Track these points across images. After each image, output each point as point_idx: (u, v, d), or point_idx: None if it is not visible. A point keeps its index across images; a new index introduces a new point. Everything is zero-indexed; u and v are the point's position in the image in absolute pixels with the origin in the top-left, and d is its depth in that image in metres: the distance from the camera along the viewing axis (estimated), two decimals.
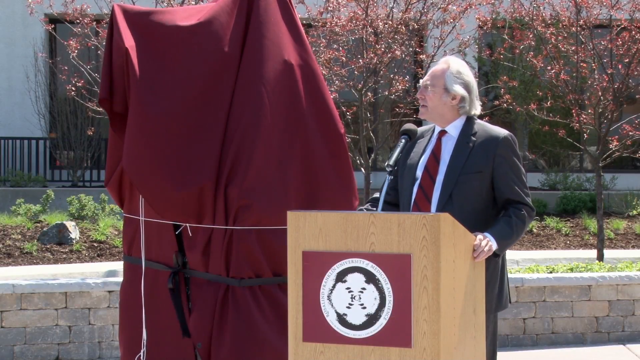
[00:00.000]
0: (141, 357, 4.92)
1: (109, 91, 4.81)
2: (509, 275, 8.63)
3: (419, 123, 5.54)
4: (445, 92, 4.27)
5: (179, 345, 4.84)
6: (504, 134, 4.28)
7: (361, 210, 4.41)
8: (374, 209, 4.36)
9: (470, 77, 4.33)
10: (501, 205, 4.26)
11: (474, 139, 4.26)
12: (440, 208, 4.19)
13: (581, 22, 10.95)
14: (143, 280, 4.93)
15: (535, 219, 14.19)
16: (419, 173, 4.30)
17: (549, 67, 11.31)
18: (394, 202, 4.43)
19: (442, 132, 4.33)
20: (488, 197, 4.26)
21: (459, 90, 4.26)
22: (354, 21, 11.00)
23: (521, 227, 4.17)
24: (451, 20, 11.59)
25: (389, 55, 10.98)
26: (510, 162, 4.24)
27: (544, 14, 11.58)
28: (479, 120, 4.37)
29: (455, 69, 4.28)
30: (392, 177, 4.18)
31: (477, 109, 4.33)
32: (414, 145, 4.36)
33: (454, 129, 4.31)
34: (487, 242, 3.98)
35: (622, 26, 11.08)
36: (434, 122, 4.36)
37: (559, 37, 11.21)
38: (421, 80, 4.34)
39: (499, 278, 4.30)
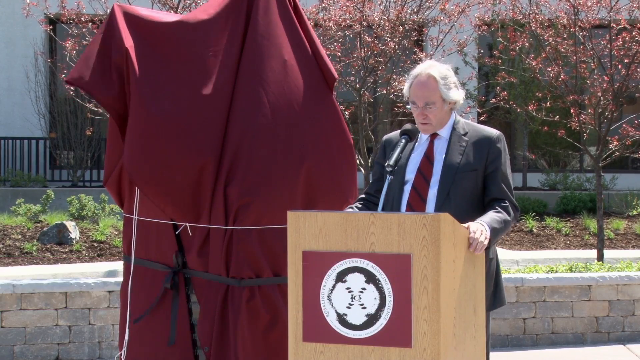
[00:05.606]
0: (121, 357, 4.91)
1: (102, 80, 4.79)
2: (509, 276, 8.69)
3: None
4: (444, 102, 4.31)
5: (178, 346, 4.84)
6: (496, 132, 4.38)
7: (351, 208, 4.43)
8: (365, 208, 4.38)
9: (451, 73, 4.37)
10: (487, 202, 4.30)
11: (466, 138, 4.33)
12: (438, 207, 4.22)
13: (579, 24, 10.93)
14: (131, 279, 4.93)
15: (535, 219, 14.18)
16: (410, 175, 4.33)
17: (549, 69, 11.29)
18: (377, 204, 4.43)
19: (434, 135, 4.37)
20: (481, 195, 4.32)
21: (455, 95, 4.32)
22: (348, 15, 10.96)
23: (508, 221, 4.21)
24: (447, 22, 11.57)
25: (381, 46, 10.91)
26: (502, 160, 4.32)
27: (540, 17, 11.55)
28: (465, 120, 4.46)
29: (441, 76, 4.29)
30: (391, 177, 4.19)
31: (462, 97, 4.38)
32: (393, 149, 4.35)
33: (445, 130, 4.37)
34: (482, 231, 3.98)
35: (622, 26, 11.06)
36: (434, 131, 4.38)
37: (558, 39, 11.19)
38: (413, 101, 4.33)
39: (494, 277, 4.33)
